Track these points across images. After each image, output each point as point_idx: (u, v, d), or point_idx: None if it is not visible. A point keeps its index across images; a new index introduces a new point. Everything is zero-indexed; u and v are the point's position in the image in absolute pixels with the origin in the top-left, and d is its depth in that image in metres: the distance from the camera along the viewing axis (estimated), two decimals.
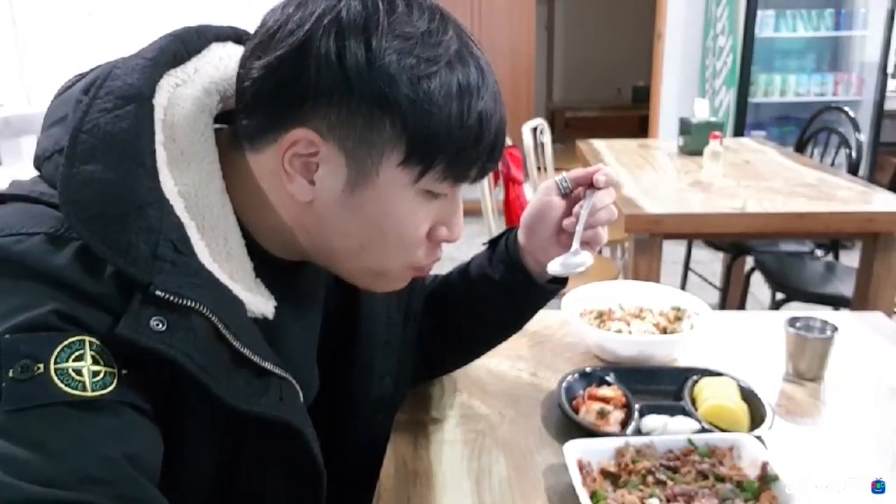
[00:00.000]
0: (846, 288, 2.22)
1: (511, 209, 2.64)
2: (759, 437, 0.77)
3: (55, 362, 0.47)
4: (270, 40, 0.56)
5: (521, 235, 0.83)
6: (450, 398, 0.94)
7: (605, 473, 0.72)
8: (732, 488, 0.69)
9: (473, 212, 2.39)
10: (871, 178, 3.55)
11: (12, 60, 3.04)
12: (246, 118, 0.59)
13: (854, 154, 2.69)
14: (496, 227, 2.40)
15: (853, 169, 2.65)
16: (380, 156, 0.57)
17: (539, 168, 3.14)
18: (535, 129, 3.14)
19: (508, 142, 2.63)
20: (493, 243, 0.87)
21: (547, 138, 3.25)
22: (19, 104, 3.06)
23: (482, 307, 0.87)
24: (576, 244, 0.76)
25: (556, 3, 7.86)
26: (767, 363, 1.01)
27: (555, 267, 0.76)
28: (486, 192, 2.34)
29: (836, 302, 2.26)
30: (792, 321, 0.99)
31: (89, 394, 0.48)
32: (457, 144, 0.57)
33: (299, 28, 0.55)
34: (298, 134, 0.56)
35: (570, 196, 0.81)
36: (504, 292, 0.84)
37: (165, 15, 3.68)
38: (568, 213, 0.80)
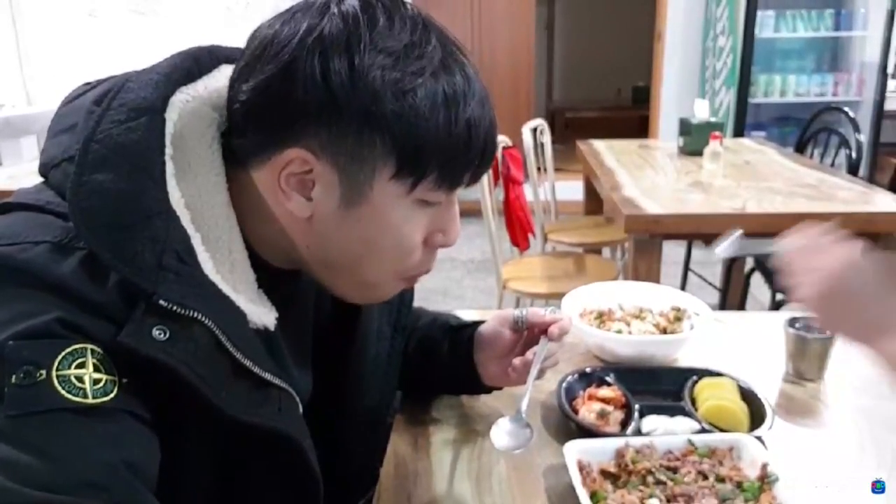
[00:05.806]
0: None
1: (511, 209, 2.63)
2: (759, 438, 0.77)
3: (57, 369, 0.47)
4: (256, 62, 0.57)
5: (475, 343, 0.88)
6: (450, 398, 0.94)
7: (605, 474, 0.72)
8: (732, 489, 0.69)
9: (473, 212, 2.38)
10: (871, 179, 3.54)
11: (12, 60, 3.04)
12: (238, 138, 0.60)
13: (854, 154, 2.69)
14: (496, 227, 2.40)
15: (853, 169, 2.65)
16: (372, 171, 0.57)
17: (539, 168, 3.13)
18: (535, 130, 3.14)
19: (508, 142, 2.63)
20: (461, 326, 0.91)
21: (547, 139, 3.25)
22: (19, 104, 3.06)
23: (428, 377, 0.92)
24: (529, 385, 0.79)
25: (556, 3, 7.87)
26: (767, 363, 1.01)
27: (501, 441, 0.75)
28: (485, 192, 2.34)
29: None
30: (792, 321, 0.99)
31: (90, 401, 0.48)
32: (447, 153, 0.57)
33: (284, 49, 0.55)
34: (292, 154, 0.56)
35: (521, 333, 0.85)
36: (451, 379, 0.91)
37: (165, 15, 3.67)
38: (513, 345, 0.85)
